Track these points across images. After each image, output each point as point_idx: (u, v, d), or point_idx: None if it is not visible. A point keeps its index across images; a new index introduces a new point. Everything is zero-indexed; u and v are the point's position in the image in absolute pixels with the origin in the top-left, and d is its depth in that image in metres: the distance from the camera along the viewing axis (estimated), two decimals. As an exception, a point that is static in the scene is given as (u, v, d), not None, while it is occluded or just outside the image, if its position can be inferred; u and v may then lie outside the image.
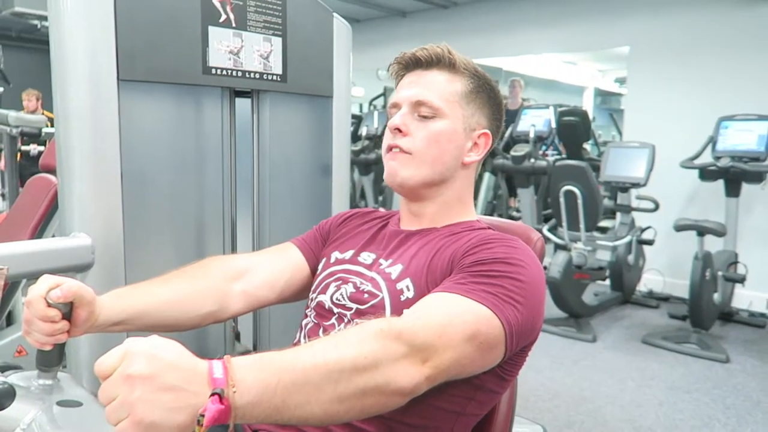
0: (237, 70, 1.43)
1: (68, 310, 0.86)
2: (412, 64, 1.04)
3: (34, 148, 4.87)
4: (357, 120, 6.25)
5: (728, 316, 4.00)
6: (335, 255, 1.10)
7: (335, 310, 1.00)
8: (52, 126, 4.06)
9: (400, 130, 1.01)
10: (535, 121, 4.66)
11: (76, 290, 0.86)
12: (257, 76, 1.47)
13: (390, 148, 1.03)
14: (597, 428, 2.50)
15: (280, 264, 1.14)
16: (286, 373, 0.65)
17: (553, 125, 4.62)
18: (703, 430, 2.50)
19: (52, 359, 0.88)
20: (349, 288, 1.00)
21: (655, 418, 2.59)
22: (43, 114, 5.79)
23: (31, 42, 8.03)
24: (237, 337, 1.65)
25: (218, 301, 1.05)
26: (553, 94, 9.20)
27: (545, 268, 4.00)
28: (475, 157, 1.05)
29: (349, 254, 1.08)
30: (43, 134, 3.81)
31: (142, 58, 1.28)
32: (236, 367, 0.62)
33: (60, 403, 0.84)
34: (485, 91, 1.04)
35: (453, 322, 0.79)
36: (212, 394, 0.59)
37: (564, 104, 6.44)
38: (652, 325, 3.94)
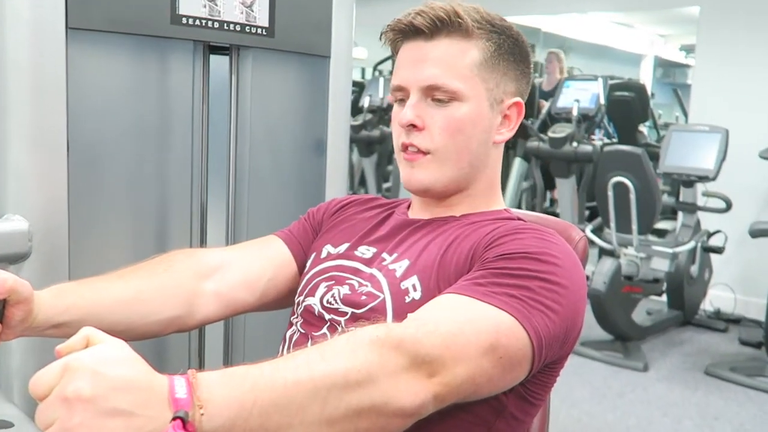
0: (213, 20, 1.43)
1: (0, 309, 0.87)
2: (409, 33, 1.02)
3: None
4: (358, 88, 6.23)
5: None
6: (327, 249, 1.10)
7: (326, 316, 1.01)
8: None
9: (415, 126, 1.01)
10: (579, 95, 4.65)
11: (11, 285, 0.86)
12: (238, 28, 1.47)
13: (404, 148, 1.03)
14: (645, 477, 2.51)
15: (260, 259, 1.15)
16: (264, 390, 0.65)
17: (602, 101, 4.62)
18: (776, 483, 2.51)
19: None
20: (344, 289, 1.01)
21: (718, 467, 2.60)
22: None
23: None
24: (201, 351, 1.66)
25: (185, 302, 1.06)
26: (603, 63, 9.17)
27: (587, 278, 4.01)
28: (507, 134, 1.06)
29: (344, 248, 1.09)
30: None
31: (97, 2, 1.28)
32: (204, 383, 0.63)
33: (-14, 423, 0.85)
34: (508, 47, 1.03)
35: (465, 331, 0.79)
36: (174, 419, 0.59)
37: (616, 76, 6.43)
38: (719, 352, 3.94)
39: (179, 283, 1.06)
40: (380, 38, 1.07)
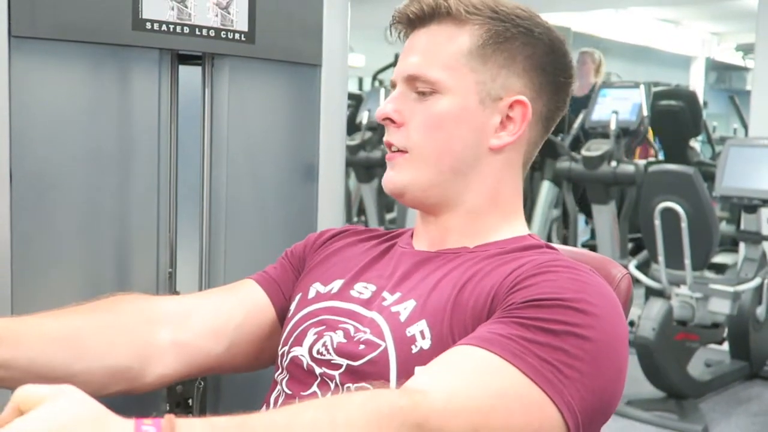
0: (182, 25, 1.44)
1: None
2: (408, 24, 1.09)
3: None
4: (355, 101, 6.27)
5: None
6: (316, 288, 1.10)
7: (317, 369, 1.00)
8: None
9: (392, 120, 1.06)
10: (618, 106, 4.68)
11: None
12: (212, 33, 1.48)
13: (387, 147, 1.09)
14: None
15: (228, 303, 1.15)
16: None
17: (645, 112, 4.64)
18: None
19: None
20: (337, 336, 1.00)
21: None
22: None
23: None
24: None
25: (135, 352, 1.05)
26: (646, 67, 9.24)
27: (632, 324, 3.99)
28: (508, 138, 1.05)
29: (336, 285, 1.09)
30: None
31: (46, 6, 1.30)
32: (185, 429, 0.63)
33: None
34: (516, 37, 1.05)
35: (497, 409, 0.81)
36: None
37: (661, 82, 6.47)
38: (793, 411, 3.90)
39: (128, 327, 1.06)
40: (389, 33, 1.12)
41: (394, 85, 1.09)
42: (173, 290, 1.53)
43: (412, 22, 1.08)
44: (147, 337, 1.07)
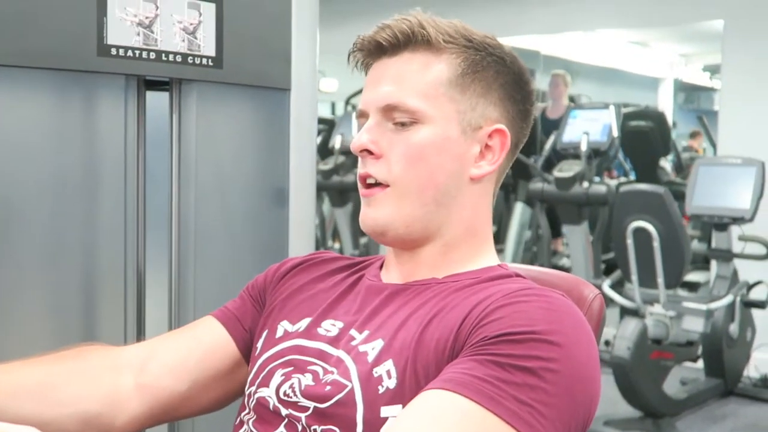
0: (149, 50, 1.44)
1: None
2: (374, 51, 1.05)
3: None
4: (328, 126, 6.28)
5: None
6: (283, 326, 1.08)
7: (283, 411, 0.98)
8: None
9: (370, 152, 1.02)
10: (588, 127, 4.71)
11: None
12: (179, 59, 1.47)
13: (362, 181, 1.04)
14: None
15: (187, 341, 1.14)
16: None
17: (616, 133, 4.67)
18: None
19: None
20: (306, 379, 0.98)
21: None
22: None
23: None
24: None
25: (103, 397, 1.04)
26: (615, 89, 9.34)
27: (606, 343, 4.00)
28: (488, 168, 1.04)
29: (304, 324, 1.06)
30: None
31: (6, 31, 1.28)
32: None
33: None
34: (490, 66, 1.04)
35: None
36: None
37: (631, 103, 6.54)
38: (768, 427, 3.92)
39: (94, 374, 1.06)
40: (347, 61, 1.08)
41: (363, 115, 1.05)
42: (141, 319, 1.51)
43: (379, 50, 1.04)
44: (112, 382, 1.06)
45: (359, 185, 1.05)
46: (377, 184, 1.02)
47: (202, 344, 1.13)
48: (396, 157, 1.01)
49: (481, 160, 1.04)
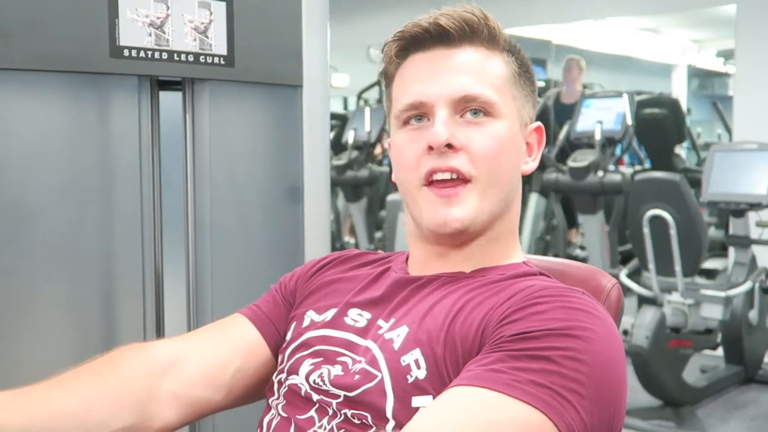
0: (161, 51, 1.44)
1: None
2: (429, 40, 1.02)
3: None
4: (340, 121, 6.28)
5: None
6: (310, 316, 1.09)
7: (314, 396, 0.99)
8: None
9: (451, 146, 0.98)
10: (602, 116, 4.69)
11: None
12: (191, 58, 1.48)
13: (429, 179, 0.99)
14: None
15: (223, 347, 1.12)
16: None
17: (629, 121, 4.65)
18: None
19: None
20: (335, 369, 0.99)
21: None
22: None
23: None
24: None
25: (137, 408, 1.03)
26: (628, 76, 9.29)
27: (625, 333, 3.98)
28: (533, 164, 1.08)
29: (330, 314, 1.07)
30: None
31: (20, 36, 1.29)
32: None
33: None
34: (529, 69, 1.08)
35: None
36: None
37: (644, 91, 6.51)
38: (790, 414, 3.89)
39: (131, 386, 1.03)
40: (382, 49, 1.06)
41: (413, 107, 1.00)
42: (161, 317, 1.51)
43: (439, 39, 1.00)
44: (149, 390, 1.05)
45: (419, 188, 1.00)
46: (457, 180, 0.99)
47: (238, 351, 1.12)
48: (479, 150, 0.98)
49: (528, 156, 1.08)
